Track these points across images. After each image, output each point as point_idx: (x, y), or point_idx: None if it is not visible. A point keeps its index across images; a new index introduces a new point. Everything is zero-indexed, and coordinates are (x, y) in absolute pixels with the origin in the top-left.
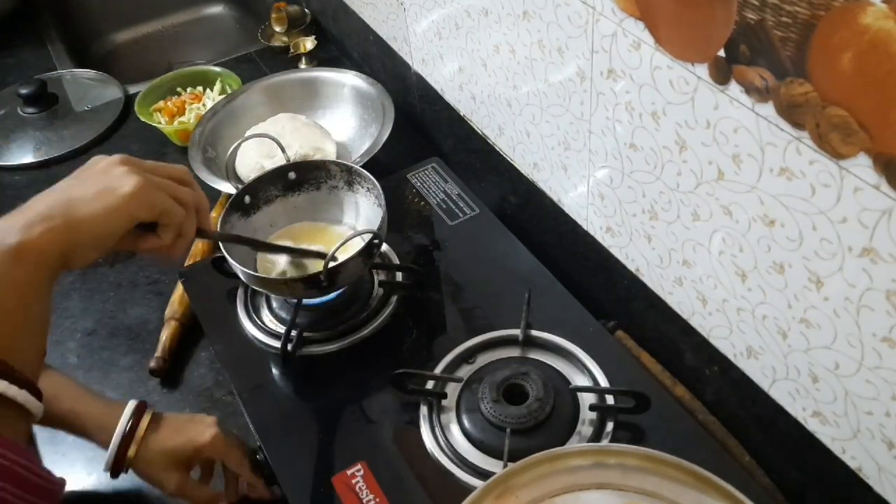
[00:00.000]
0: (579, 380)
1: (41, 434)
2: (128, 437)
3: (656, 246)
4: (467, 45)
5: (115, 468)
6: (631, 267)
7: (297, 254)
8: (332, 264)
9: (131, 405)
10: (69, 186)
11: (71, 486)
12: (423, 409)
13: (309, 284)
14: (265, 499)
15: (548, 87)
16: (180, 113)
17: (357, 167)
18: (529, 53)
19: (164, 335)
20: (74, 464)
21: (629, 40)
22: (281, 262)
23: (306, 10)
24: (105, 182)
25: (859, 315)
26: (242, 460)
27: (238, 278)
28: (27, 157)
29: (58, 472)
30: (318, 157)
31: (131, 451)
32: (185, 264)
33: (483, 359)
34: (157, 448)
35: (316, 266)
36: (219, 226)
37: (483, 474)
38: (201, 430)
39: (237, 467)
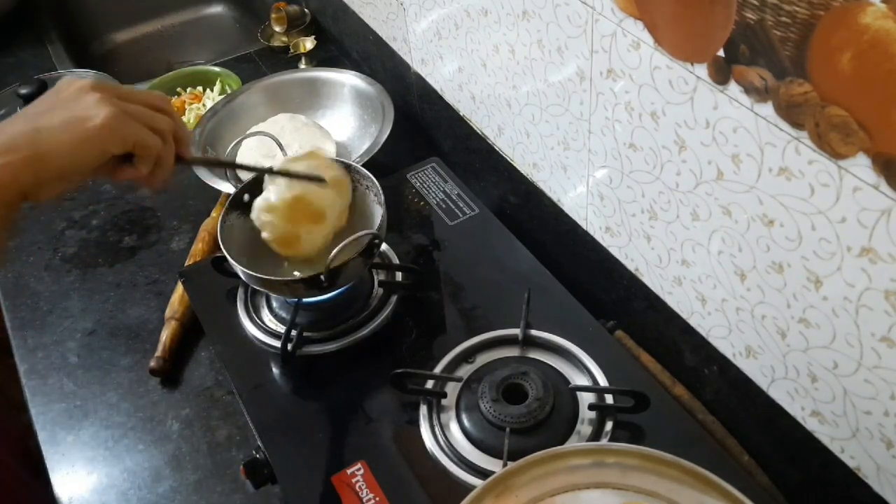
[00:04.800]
0: (579, 379)
1: (41, 434)
2: None
3: (655, 246)
4: (467, 45)
5: None
6: (630, 267)
7: (289, 176)
8: (333, 265)
9: None
10: (37, 114)
11: (71, 486)
12: (423, 409)
13: (309, 284)
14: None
15: (547, 86)
16: (180, 113)
17: (356, 165)
18: (529, 53)
19: (164, 335)
20: (74, 464)
21: (628, 40)
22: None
23: (306, 9)
24: (75, 111)
25: (858, 315)
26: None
27: (238, 278)
28: None
29: (58, 471)
30: None
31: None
32: (186, 264)
33: (483, 358)
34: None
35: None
36: (219, 225)
37: (482, 473)
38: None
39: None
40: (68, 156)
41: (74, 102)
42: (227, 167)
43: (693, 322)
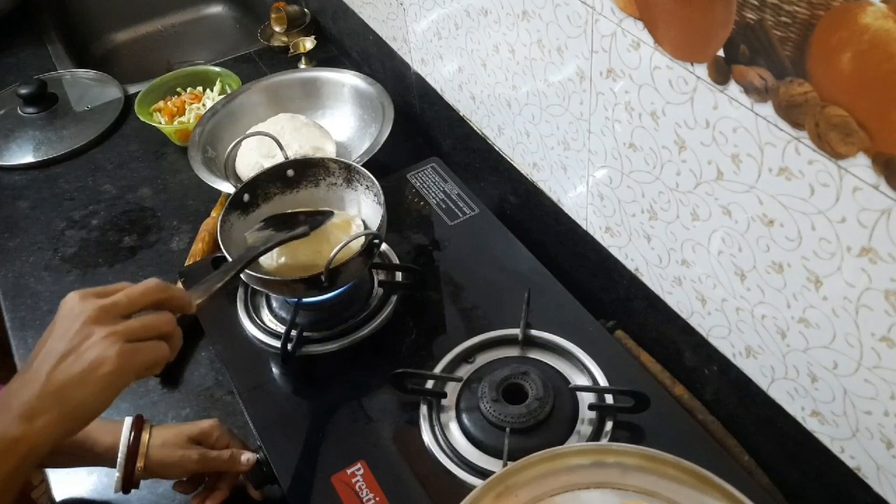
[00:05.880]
0: (579, 379)
1: None
2: (133, 451)
3: (655, 246)
4: (467, 45)
5: (126, 485)
6: (630, 266)
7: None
8: (333, 265)
9: (129, 420)
10: (53, 368)
11: (71, 487)
12: (423, 409)
13: (309, 284)
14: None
15: (547, 86)
16: (180, 113)
17: (356, 165)
18: (529, 53)
19: None
20: None
21: (628, 40)
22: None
23: (306, 9)
24: (87, 358)
25: (858, 315)
26: (245, 455)
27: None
28: (27, 157)
29: (58, 471)
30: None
31: (140, 463)
32: (186, 264)
33: (483, 358)
34: (162, 441)
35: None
36: (218, 225)
37: (482, 473)
38: (201, 420)
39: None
40: (93, 406)
41: (83, 346)
42: (230, 280)
43: (693, 322)
